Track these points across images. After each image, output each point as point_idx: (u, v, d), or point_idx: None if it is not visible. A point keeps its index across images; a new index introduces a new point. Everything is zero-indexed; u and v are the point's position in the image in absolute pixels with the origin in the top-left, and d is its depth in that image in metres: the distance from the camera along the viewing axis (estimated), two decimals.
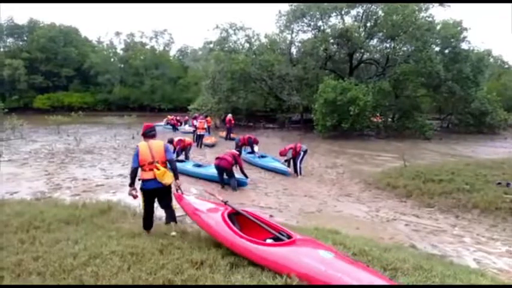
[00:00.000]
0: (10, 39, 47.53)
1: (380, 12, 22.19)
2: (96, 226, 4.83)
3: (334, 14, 23.28)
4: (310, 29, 24.36)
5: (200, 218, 4.11)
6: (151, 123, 4.85)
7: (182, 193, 4.67)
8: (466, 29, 21.81)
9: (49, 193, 7.96)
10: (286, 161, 11.01)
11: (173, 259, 3.44)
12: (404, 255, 3.86)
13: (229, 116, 20.38)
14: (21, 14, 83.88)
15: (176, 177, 4.52)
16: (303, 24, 24.23)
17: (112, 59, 49.69)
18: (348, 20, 23.45)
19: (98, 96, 46.77)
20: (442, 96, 23.23)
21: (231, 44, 26.55)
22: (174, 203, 4.67)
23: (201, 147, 16.41)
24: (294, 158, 10.55)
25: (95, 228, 4.70)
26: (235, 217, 4.05)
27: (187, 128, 22.87)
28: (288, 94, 23.10)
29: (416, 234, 6.04)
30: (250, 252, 3.31)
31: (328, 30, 22.75)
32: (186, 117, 26.63)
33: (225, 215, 3.84)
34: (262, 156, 12.38)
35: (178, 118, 26.43)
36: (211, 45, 27.72)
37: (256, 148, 12.85)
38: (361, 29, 22.36)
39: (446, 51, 22.12)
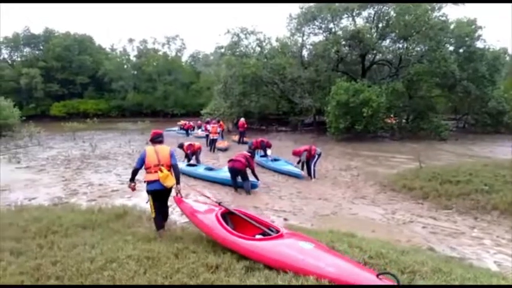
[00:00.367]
0: (27, 49, 48.89)
1: (392, 13, 21.91)
2: (112, 231, 4.89)
3: (346, 15, 23.12)
4: (321, 31, 24.21)
5: (197, 219, 4.39)
6: (160, 131, 5.16)
7: (181, 197, 4.94)
8: (480, 28, 21.33)
9: (66, 198, 8.08)
10: (298, 162, 10.96)
11: (188, 263, 3.45)
12: (422, 258, 3.78)
13: (242, 120, 20.43)
14: (37, 24, 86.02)
15: (178, 182, 4.78)
16: (314, 26, 24.10)
17: (125, 66, 50.56)
18: (360, 21, 23.32)
19: (112, 103, 47.58)
20: (457, 96, 22.71)
21: (242, 48, 26.68)
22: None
23: (214, 151, 16.47)
24: (308, 160, 10.49)
25: (111, 233, 4.75)
26: (229, 216, 4.37)
27: (199, 132, 23.00)
28: (300, 97, 23.05)
29: (434, 236, 5.92)
30: (240, 247, 3.57)
31: (340, 32, 22.59)
32: (199, 122, 26.83)
33: (219, 215, 4.13)
34: (275, 160, 12.34)
35: (192, 123, 26.67)
36: (223, 50, 27.93)
37: (269, 151, 12.82)
38: (373, 30, 22.19)
39: (461, 50, 21.69)
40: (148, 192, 4.72)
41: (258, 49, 26.64)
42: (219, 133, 18.30)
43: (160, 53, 51.15)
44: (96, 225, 5.10)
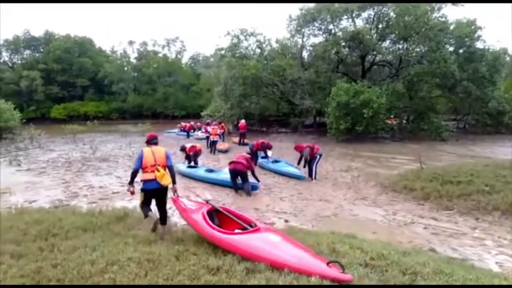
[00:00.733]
0: (27, 51, 48.94)
1: (392, 14, 21.98)
2: (112, 233, 4.88)
3: (345, 17, 23.19)
4: (321, 32, 24.29)
5: (188, 216, 4.68)
6: (155, 134, 5.48)
7: (178, 196, 5.14)
8: (480, 28, 21.39)
9: (67, 201, 8.06)
10: (299, 163, 10.95)
11: (189, 265, 3.44)
12: (423, 259, 3.76)
13: (243, 121, 20.44)
14: (38, 27, 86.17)
15: (174, 182, 5.06)
16: (313, 28, 24.18)
17: (125, 68, 50.59)
18: (359, 22, 23.40)
19: (113, 105, 47.59)
20: (457, 97, 22.73)
21: (242, 50, 26.71)
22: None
23: (214, 153, 16.47)
24: (310, 161, 10.47)
25: (111, 235, 4.74)
26: (216, 213, 4.75)
27: (200, 134, 23.00)
28: (301, 98, 23.07)
29: (435, 237, 5.90)
30: (221, 241, 3.89)
31: (340, 34, 22.65)
32: (198, 124, 26.82)
33: (205, 212, 4.47)
34: (276, 161, 12.34)
35: (192, 123, 26.68)
36: (223, 52, 27.93)
37: (269, 153, 12.82)
38: (372, 31, 22.24)
39: (461, 50, 21.75)
40: (142, 190, 4.94)
41: (258, 51, 26.69)
42: (219, 135, 18.29)
43: (160, 55, 51.18)
44: (96, 228, 5.08)
